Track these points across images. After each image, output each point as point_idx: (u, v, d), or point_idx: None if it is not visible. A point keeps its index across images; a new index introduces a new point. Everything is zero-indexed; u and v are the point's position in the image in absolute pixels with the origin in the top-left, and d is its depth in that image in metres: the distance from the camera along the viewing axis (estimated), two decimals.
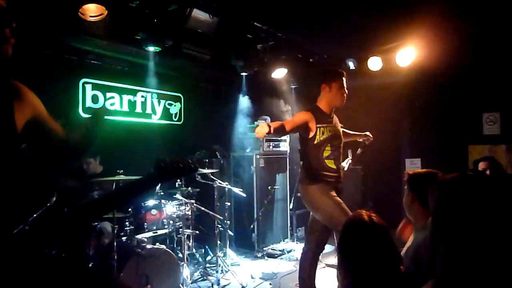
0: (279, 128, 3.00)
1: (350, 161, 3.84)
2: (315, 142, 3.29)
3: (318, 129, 3.29)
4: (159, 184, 1.63)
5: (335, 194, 3.29)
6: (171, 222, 3.93)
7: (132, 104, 4.96)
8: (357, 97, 4.44)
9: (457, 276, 1.15)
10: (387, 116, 5.81)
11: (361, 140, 3.93)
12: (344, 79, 3.40)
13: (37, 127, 1.60)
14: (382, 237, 1.67)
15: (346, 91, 3.40)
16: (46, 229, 1.35)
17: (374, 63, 5.43)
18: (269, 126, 2.85)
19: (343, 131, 3.60)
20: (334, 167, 3.35)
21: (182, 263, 3.88)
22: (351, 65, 5.65)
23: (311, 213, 3.48)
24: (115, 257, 3.19)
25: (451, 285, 1.16)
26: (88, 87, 4.52)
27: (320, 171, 3.29)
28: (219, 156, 5.07)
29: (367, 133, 3.93)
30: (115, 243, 3.22)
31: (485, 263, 1.15)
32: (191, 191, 4.29)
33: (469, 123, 5.75)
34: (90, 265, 3.30)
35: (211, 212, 4.34)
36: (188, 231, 4.05)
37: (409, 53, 5.17)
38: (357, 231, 1.71)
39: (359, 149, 3.97)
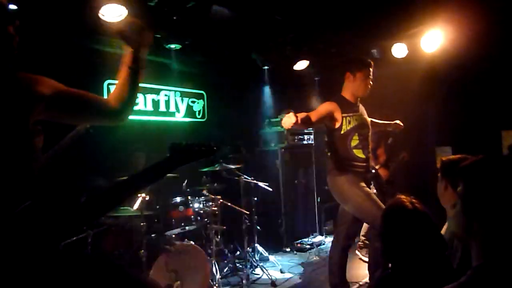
0: (305, 119, 2.97)
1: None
2: (342, 132, 3.24)
3: (344, 118, 3.23)
4: (177, 167, 1.62)
5: (365, 185, 3.22)
6: (198, 218, 3.94)
7: (155, 103, 5.01)
8: (383, 86, 4.33)
9: (498, 264, 1.09)
10: (414, 103, 5.64)
11: (391, 129, 3.86)
12: (371, 69, 3.33)
13: (67, 102, 1.57)
14: (425, 222, 1.62)
15: (371, 81, 3.32)
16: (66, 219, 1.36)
17: (399, 50, 5.28)
18: (296, 117, 2.81)
19: (371, 121, 3.53)
20: (363, 156, 3.29)
21: (211, 258, 3.90)
22: (376, 53, 5.52)
23: (340, 206, 3.42)
24: (145, 254, 3.23)
25: (492, 274, 1.09)
26: (113, 88, 4.57)
27: (349, 161, 3.24)
28: (243, 151, 5.05)
29: (397, 121, 3.83)
30: (144, 241, 3.25)
31: None
32: (217, 187, 4.30)
33: (502, 108, 5.51)
34: (120, 263, 3.35)
35: (237, 208, 4.34)
36: (216, 226, 4.06)
37: (435, 37, 5.00)
38: (399, 217, 1.67)
39: (390, 138, 3.91)
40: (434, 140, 5.85)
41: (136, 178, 1.63)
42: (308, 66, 5.53)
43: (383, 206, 3.14)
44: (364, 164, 3.29)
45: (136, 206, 3.40)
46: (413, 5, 4.50)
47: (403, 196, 1.72)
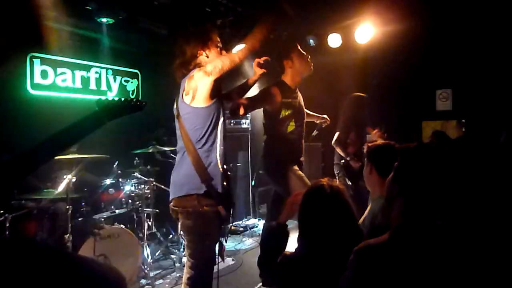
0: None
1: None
2: (280, 116, 3.26)
3: (283, 103, 3.25)
4: (104, 122, 1.58)
5: (297, 168, 3.31)
6: (129, 201, 3.83)
7: (85, 81, 4.72)
8: (317, 75, 4.45)
9: (415, 223, 1.32)
10: (346, 93, 5.88)
11: (318, 121, 3.96)
12: (298, 46, 3.39)
13: None
14: (341, 208, 1.73)
15: (308, 56, 3.38)
16: None
17: (334, 40, 5.46)
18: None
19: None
20: (298, 142, 3.37)
21: (142, 242, 3.82)
22: (312, 42, 5.65)
23: (273, 189, 3.49)
24: (71, 239, 3.08)
25: (410, 232, 1.31)
26: (37, 61, 4.25)
27: (284, 145, 3.29)
28: None
29: (325, 116, 3.96)
30: (69, 225, 3.10)
31: (437, 216, 1.34)
32: (150, 169, 4.19)
33: (423, 99, 5.95)
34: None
35: (169, 189, 4.26)
36: (148, 210, 3.98)
37: (367, 30, 5.23)
38: (317, 200, 1.75)
39: (315, 131, 4.01)
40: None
41: (59, 135, 1.54)
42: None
43: None
44: (299, 149, 3.37)
45: (61, 188, 3.21)
46: None
47: (324, 180, 1.81)
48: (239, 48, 2.42)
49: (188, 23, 4.88)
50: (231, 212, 2.40)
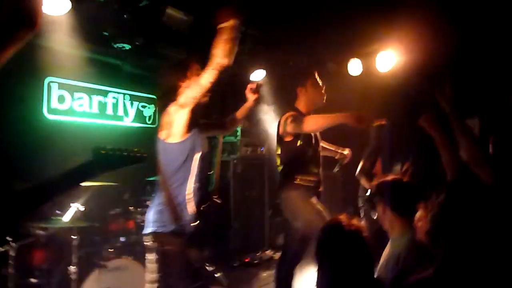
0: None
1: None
2: (298, 144, 3.14)
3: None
4: (98, 174, 1.46)
5: (316, 201, 3.14)
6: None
7: (102, 106, 4.70)
8: (338, 102, 4.31)
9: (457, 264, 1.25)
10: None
11: (337, 157, 3.74)
12: (316, 75, 3.29)
13: None
14: (356, 242, 1.61)
15: (323, 87, 3.26)
16: None
17: (354, 67, 5.32)
18: None
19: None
20: (316, 171, 3.21)
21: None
22: (331, 67, 5.54)
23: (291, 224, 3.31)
24: (76, 271, 2.94)
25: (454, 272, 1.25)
26: (54, 86, 4.24)
27: (302, 175, 3.13)
28: None
29: (345, 151, 3.72)
30: (75, 256, 2.97)
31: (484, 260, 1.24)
32: None
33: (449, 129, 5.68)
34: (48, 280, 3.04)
35: None
36: None
37: (389, 58, 5.08)
38: (332, 235, 1.65)
39: (336, 168, 3.80)
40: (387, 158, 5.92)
41: (48, 184, 1.41)
42: (264, 77, 5.45)
43: None
44: (316, 179, 3.20)
45: (68, 217, 3.10)
46: (371, 23, 4.56)
47: (343, 216, 1.69)
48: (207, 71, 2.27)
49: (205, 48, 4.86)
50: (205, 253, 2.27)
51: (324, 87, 3.29)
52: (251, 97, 2.83)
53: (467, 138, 1.87)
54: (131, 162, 1.53)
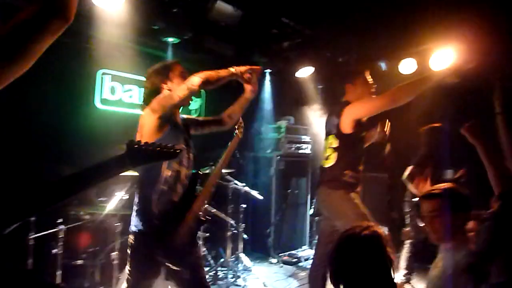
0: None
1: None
2: (362, 135, 3.07)
3: (363, 124, 3.07)
4: (131, 168, 1.48)
5: (358, 200, 3.03)
6: None
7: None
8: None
9: None
10: (420, 123, 5.43)
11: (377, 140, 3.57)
12: (366, 73, 3.16)
13: None
14: (371, 251, 1.54)
15: (373, 85, 3.13)
16: None
17: (407, 65, 5.09)
18: None
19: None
20: (361, 168, 3.13)
21: None
22: (383, 66, 5.34)
23: (322, 223, 3.22)
24: (119, 256, 3.05)
25: None
26: (107, 78, 4.41)
27: (351, 171, 3.03)
28: (237, 156, 4.85)
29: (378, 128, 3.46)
30: (118, 242, 3.07)
31: None
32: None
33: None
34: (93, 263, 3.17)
35: (222, 215, 4.14)
36: (199, 232, 3.87)
37: (445, 56, 4.80)
38: (346, 245, 1.59)
39: (386, 150, 3.63)
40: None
41: (85, 173, 1.44)
42: (312, 74, 5.36)
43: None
44: (359, 176, 3.11)
45: (113, 204, 3.21)
46: (425, 21, 4.33)
47: (364, 223, 1.63)
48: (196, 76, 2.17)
49: (253, 43, 4.86)
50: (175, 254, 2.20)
51: (374, 86, 3.15)
52: (248, 87, 2.61)
53: None
54: (164, 157, 1.54)
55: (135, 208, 2.25)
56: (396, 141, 4.78)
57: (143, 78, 4.55)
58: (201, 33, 4.17)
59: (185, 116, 2.58)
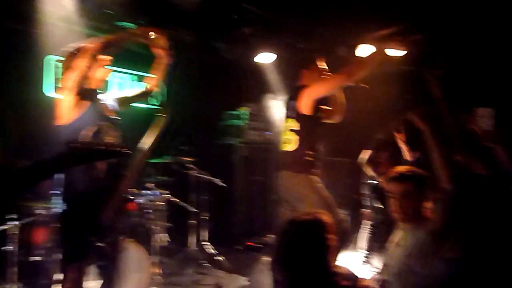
0: None
1: None
2: (318, 115, 3.10)
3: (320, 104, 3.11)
4: (71, 166, 1.41)
5: (320, 183, 3.09)
6: (141, 213, 3.67)
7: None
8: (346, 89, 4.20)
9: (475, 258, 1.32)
10: (379, 109, 5.56)
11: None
12: (320, 60, 3.21)
13: None
14: (311, 237, 1.55)
15: (327, 71, 3.18)
16: None
17: (365, 51, 5.16)
18: None
19: None
20: (321, 149, 3.18)
21: (154, 257, 3.64)
22: (343, 52, 5.39)
23: (283, 207, 3.25)
24: None
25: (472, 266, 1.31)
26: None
27: (313, 151, 3.08)
28: (199, 144, 4.79)
29: None
30: None
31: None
32: (165, 180, 4.03)
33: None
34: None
35: (185, 204, 4.09)
36: (161, 223, 3.80)
37: (401, 42, 4.91)
38: (288, 232, 1.61)
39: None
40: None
41: (27, 170, 1.36)
42: (274, 60, 5.34)
43: (338, 213, 3.03)
44: (319, 156, 3.17)
45: None
46: (383, 7, 4.40)
47: (312, 212, 1.65)
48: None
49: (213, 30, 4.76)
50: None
51: (328, 72, 3.18)
52: (157, 51, 2.71)
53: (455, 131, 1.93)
54: (109, 156, 1.46)
55: (60, 189, 2.20)
56: (354, 125, 4.88)
57: None
58: (158, 18, 4.03)
59: (111, 93, 2.64)
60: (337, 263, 2.88)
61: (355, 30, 5.07)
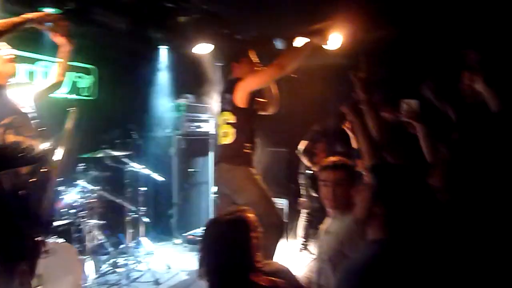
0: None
1: None
2: (254, 108, 3.11)
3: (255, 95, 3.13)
4: None
5: (257, 175, 3.11)
6: (72, 212, 3.48)
7: (31, 75, 4.31)
8: (282, 80, 4.27)
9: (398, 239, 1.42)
10: (314, 101, 5.71)
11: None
12: (251, 52, 3.25)
13: None
14: (234, 235, 1.55)
15: (258, 64, 3.21)
16: None
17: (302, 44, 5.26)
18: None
19: None
20: (256, 140, 3.21)
21: (86, 257, 3.48)
22: (279, 45, 5.44)
23: (221, 200, 3.26)
24: None
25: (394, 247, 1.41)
26: None
27: (250, 143, 3.10)
28: (134, 137, 4.62)
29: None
30: None
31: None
32: (98, 175, 3.85)
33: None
34: None
35: (118, 200, 3.94)
36: (94, 221, 3.64)
37: (337, 36, 5.06)
38: (210, 231, 1.61)
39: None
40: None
41: None
42: (210, 51, 5.26)
43: (274, 205, 3.08)
44: (255, 147, 3.20)
45: None
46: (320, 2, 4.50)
47: (236, 209, 1.66)
48: None
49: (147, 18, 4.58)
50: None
51: (259, 65, 3.21)
52: (56, 38, 2.56)
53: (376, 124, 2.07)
54: (26, 163, 1.35)
55: None
56: (293, 117, 4.97)
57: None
58: (87, 3, 3.79)
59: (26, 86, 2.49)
60: (276, 254, 2.97)
61: (291, 22, 5.14)
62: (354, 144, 4.07)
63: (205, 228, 1.62)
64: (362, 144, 2.03)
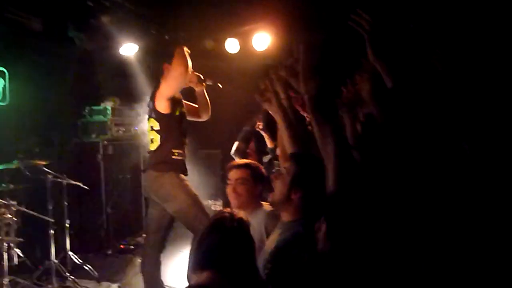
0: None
1: None
2: (177, 114, 3.02)
3: (177, 101, 3.05)
4: None
5: (188, 182, 3.05)
6: None
7: None
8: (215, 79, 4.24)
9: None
10: (246, 101, 5.73)
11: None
12: (183, 52, 3.12)
13: None
14: (239, 238, 1.54)
15: (190, 65, 3.13)
16: None
17: (232, 45, 5.27)
18: None
19: None
20: (187, 142, 3.14)
21: (3, 278, 3.19)
22: (209, 45, 5.40)
23: (150, 209, 3.16)
24: None
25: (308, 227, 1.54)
26: None
27: (179, 149, 3.01)
28: (55, 144, 4.32)
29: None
30: None
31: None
32: (14, 189, 3.55)
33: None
34: None
35: (36, 214, 3.65)
36: (9, 239, 3.34)
37: (265, 37, 5.13)
38: (214, 236, 1.55)
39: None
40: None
41: None
42: (138, 52, 5.08)
43: (206, 211, 3.04)
44: (184, 152, 3.12)
45: None
46: (249, 3, 4.53)
47: (227, 210, 1.65)
48: None
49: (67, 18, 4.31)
50: None
51: (191, 65, 3.13)
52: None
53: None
54: None
55: None
56: (226, 119, 4.96)
57: None
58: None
59: None
60: None
61: (220, 23, 5.12)
62: (268, 144, 4.19)
63: (205, 235, 1.57)
64: (284, 133, 2.05)
